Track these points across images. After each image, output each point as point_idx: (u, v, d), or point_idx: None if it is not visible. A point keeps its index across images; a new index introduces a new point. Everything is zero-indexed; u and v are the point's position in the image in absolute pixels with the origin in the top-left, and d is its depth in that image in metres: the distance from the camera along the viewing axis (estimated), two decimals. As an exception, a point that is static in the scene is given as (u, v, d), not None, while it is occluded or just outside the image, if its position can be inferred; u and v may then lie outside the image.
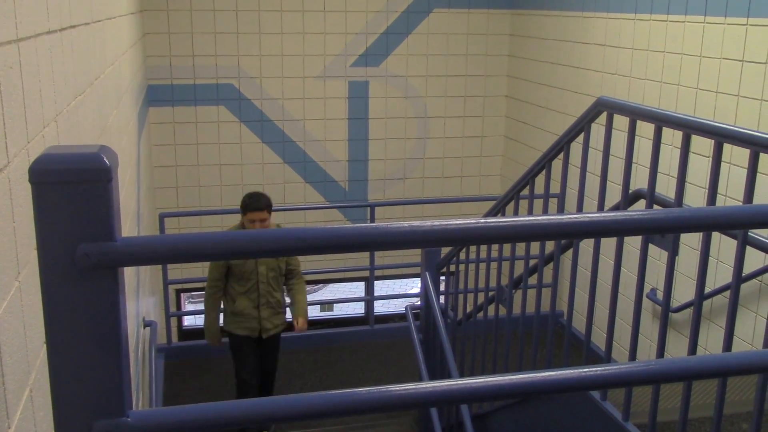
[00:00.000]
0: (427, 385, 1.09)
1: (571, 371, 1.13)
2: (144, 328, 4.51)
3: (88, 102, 2.42)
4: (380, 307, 9.52)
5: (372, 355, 6.17)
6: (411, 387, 1.07)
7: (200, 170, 7.12)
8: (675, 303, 4.76)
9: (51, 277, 0.91)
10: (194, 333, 7.75)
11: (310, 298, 5.38)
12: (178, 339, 7.21)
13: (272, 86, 7.12)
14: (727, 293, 4.18)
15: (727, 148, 2.54)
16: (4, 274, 1.25)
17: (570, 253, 3.50)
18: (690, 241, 4.57)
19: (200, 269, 7.18)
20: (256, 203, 4.61)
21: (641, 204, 4.14)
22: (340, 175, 7.49)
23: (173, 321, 6.81)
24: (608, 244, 3.98)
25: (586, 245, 5.18)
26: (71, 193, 0.89)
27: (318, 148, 7.34)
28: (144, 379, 4.23)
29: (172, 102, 6.92)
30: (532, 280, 3.89)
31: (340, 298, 12.02)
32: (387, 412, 5.16)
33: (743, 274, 2.88)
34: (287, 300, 5.04)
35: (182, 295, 7.91)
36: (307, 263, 7.36)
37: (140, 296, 4.33)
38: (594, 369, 1.14)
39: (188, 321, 8.63)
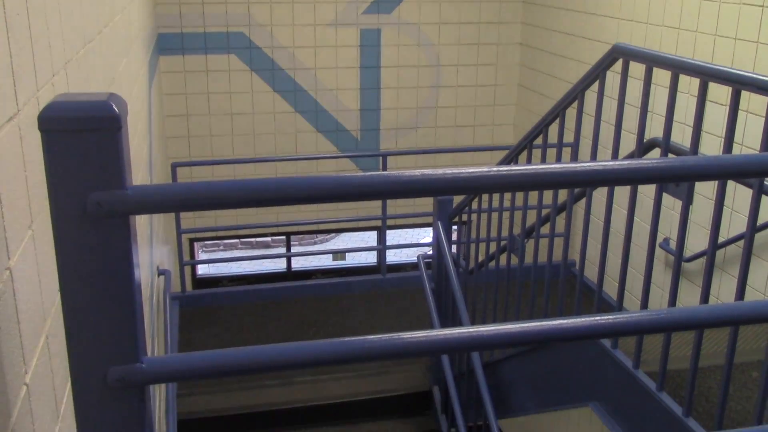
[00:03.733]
0: (439, 333, 1.09)
1: (583, 319, 1.13)
2: (158, 276, 4.56)
3: (97, 50, 2.40)
4: (392, 257, 9.56)
5: (384, 303, 6.23)
6: (422, 334, 1.08)
7: (211, 119, 7.10)
8: (688, 252, 4.75)
9: (63, 226, 0.91)
10: (208, 281, 7.83)
11: (322, 247, 5.52)
12: (192, 287, 7.29)
13: (283, 34, 7.04)
14: (741, 243, 4.16)
15: (745, 95, 2.49)
16: (18, 223, 1.25)
17: (583, 202, 3.49)
18: (704, 191, 4.54)
19: (213, 218, 7.22)
20: None
21: (656, 153, 4.10)
22: (352, 124, 7.44)
23: (187, 270, 6.87)
24: (621, 193, 3.96)
25: (599, 194, 5.16)
26: (81, 141, 0.89)
27: (330, 97, 7.29)
28: (159, 327, 4.29)
29: (183, 51, 6.87)
30: (545, 229, 3.89)
31: (352, 247, 12.08)
32: (398, 359, 5.22)
33: (758, 224, 2.86)
34: None
35: (196, 244, 7.97)
36: (319, 212, 7.38)
37: (154, 245, 4.36)
38: (605, 317, 1.14)
39: (202, 270, 8.71)
